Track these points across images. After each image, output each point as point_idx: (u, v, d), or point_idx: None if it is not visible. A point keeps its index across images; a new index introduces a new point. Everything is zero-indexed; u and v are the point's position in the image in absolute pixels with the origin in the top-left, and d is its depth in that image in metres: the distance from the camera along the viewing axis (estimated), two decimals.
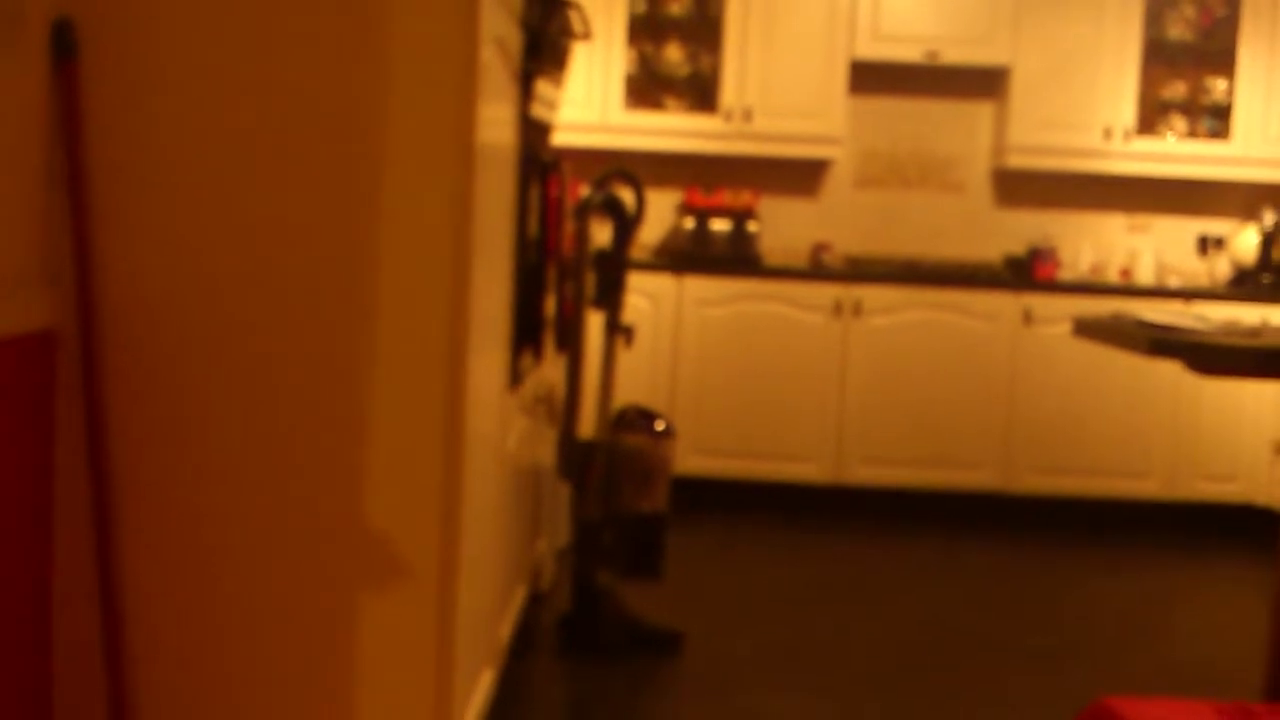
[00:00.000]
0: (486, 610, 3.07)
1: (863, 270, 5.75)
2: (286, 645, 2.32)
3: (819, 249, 6.00)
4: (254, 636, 2.31)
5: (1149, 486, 5.72)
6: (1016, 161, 5.95)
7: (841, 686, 3.61)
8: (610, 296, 3.93)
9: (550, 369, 4.05)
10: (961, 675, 3.79)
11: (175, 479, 2.28)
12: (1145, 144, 5.94)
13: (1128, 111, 5.90)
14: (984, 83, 6.11)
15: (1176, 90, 6.08)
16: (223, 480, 2.28)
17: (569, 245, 3.99)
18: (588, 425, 3.90)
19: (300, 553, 2.30)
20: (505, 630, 3.45)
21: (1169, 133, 6.04)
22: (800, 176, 6.19)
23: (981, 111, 6.18)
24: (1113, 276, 6.08)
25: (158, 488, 2.28)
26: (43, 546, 2.25)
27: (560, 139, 4.74)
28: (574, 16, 3.68)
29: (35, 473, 2.21)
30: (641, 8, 5.90)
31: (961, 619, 4.34)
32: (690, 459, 5.50)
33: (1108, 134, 5.89)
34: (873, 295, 5.63)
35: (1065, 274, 6.04)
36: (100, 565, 2.25)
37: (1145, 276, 6.04)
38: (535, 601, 4.10)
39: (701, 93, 5.96)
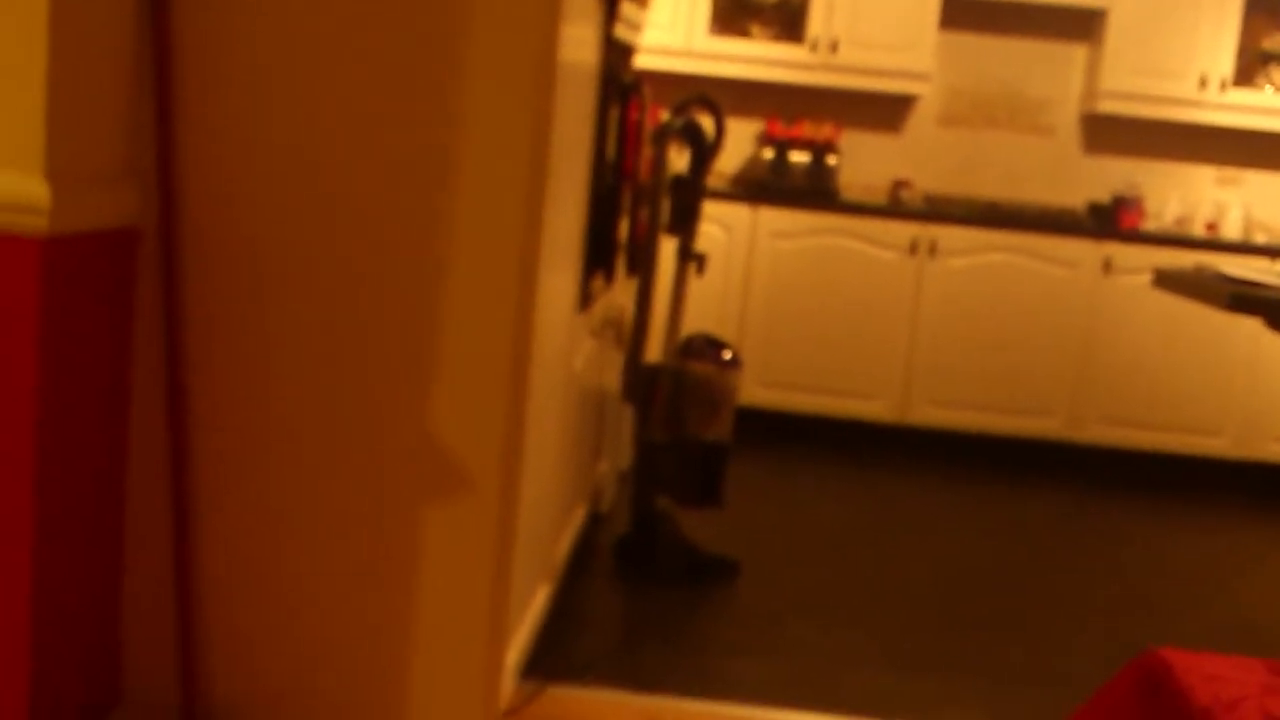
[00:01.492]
0: (545, 527, 3.10)
1: (942, 210, 5.68)
2: (348, 549, 2.36)
3: (898, 186, 5.93)
4: (317, 539, 2.36)
5: (1220, 444, 5.64)
6: (1107, 107, 5.82)
7: (890, 625, 3.62)
8: (684, 223, 3.92)
9: (620, 293, 4.06)
10: (1012, 623, 3.79)
11: (248, 380, 2.32)
12: (1241, 95, 5.78)
13: (1225, 61, 5.74)
14: (1079, 24, 5.97)
15: (1277, 42, 5.91)
16: (293, 384, 2.32)
17: (646, 170, 3.98)
18: (655, 351, 3.90)
19: (366, 461, 2.33)
20: (563, 548, 3.49)
21: (1267, 85, 5.88)
22: (884, 111, 6.10)
23: (1074, 54, 6.04)
24: (1198, 230, 5.96)
25: (231, 386, 2.32)
26: (119, 436, 2.31)
27: (643, 63, 4.71)
28: None
29: (114, 366, 2.26)
30: None
31: (1018, 567, 4.32)
32: (756, 391, 5.50)
33: (1203, 83, 5.74)
34: (950, 235, 5.56)
35: (1149, 224, 5.93)
36: (173, 458, 2.30)
37: (1232, 231, 5.91)
38: (594, 522, 4.14)
39: (788, 21, 5.87)
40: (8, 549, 2.06)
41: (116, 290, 2.24)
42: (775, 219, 5.57)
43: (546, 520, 3.11)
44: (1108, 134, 6.08)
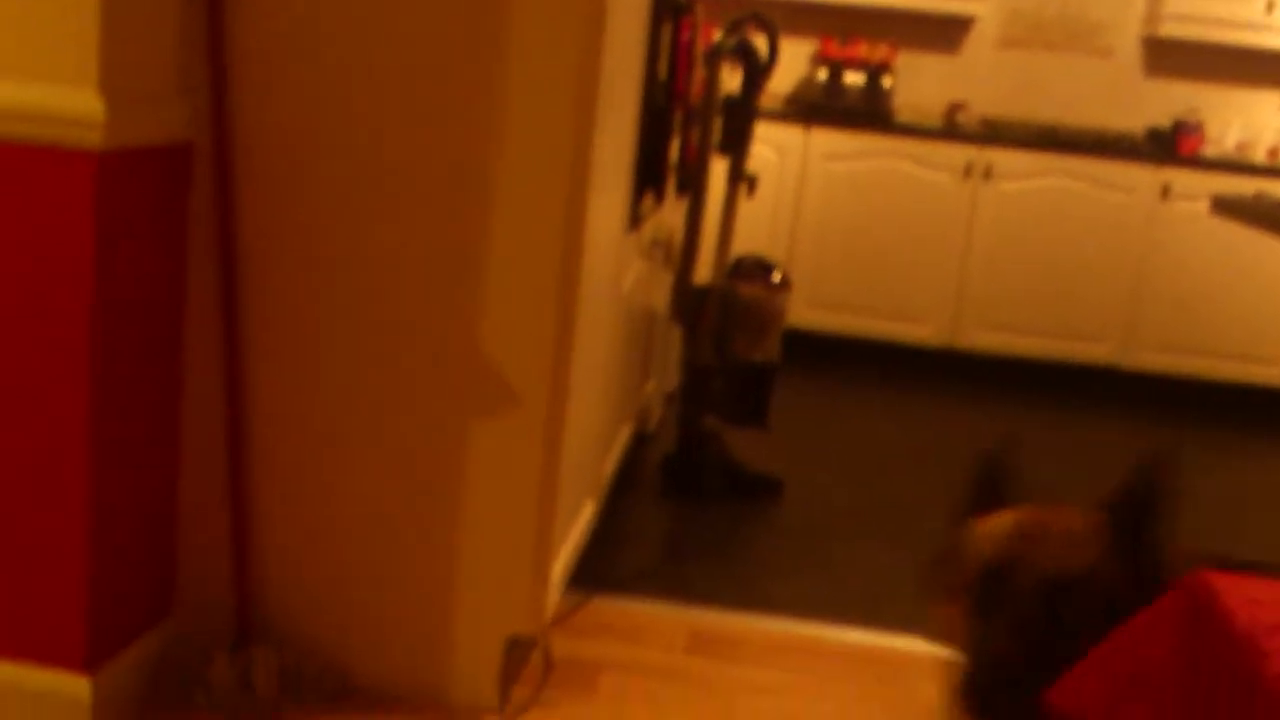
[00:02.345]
0: (592, 444, 3.14)
1: (998, 133, 5.61)
2: (399, 463, 2.40)
3: (954, 108, 5.86)
4: (368, 453, 2.40)
5: (1273, 373, 5.58)
6: (1170, 30, 5.71)
7: (932, 546, 3.64)
8: (736, 144, 3.90)
9: (670, 214, 4.05)
10: None
11: (299, 296, 2.35)
12: None
13: None
14: None
15: None
16: (344, 302, 2.35)
17: (697, 90, 3.95)
18: (704, 272, 3.91)
19: (416, 378, 2.36)
20: (609, 466, 3.53)
21: None
22: (941, 32, 6.01)
23: None
24: (1259, 156, 5.85)
25: (282, 302, 2.36)
26: (174, 350, 2.35)
27: None
28: None
29: (169, 280, 2.30)
30: None
31: (1063, 492, 4.32)
32: (804, 312, 5.49)
33: (1270, 6, 5.61)
34: (1005, 159, 5.50)
35: (1209, 150, 5.83)
36: (227, 372, 2.35)
37: None
38: (640, 441, 4.18)
39: None
40: (66, 460, 2.11)
41: (171, 206, 2.27)
42: (828, 140, 5.53)
43: (593, 438, 3.14)
44: (1169, 57, 5.97)
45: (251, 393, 2.39)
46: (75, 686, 2.19)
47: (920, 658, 2.90)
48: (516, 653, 2.46)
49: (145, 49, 2.13)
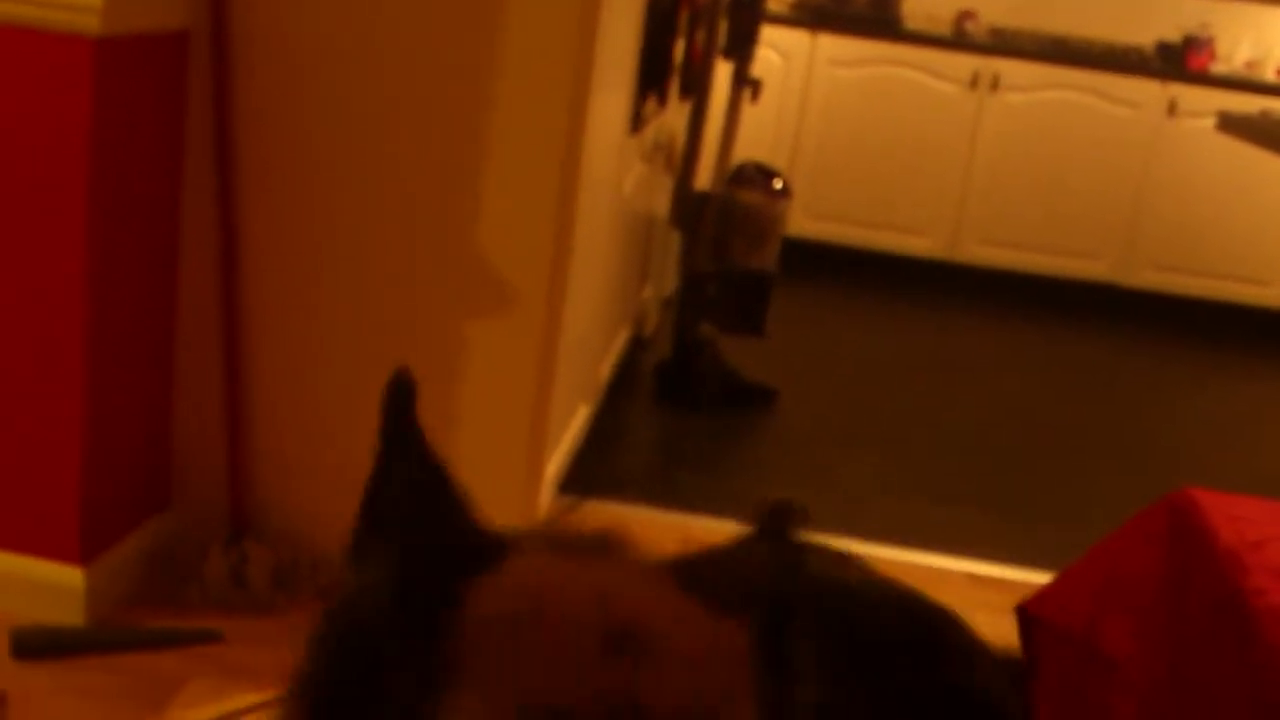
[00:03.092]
0: (588, 347, 3.14)
1: (1006, 43, 5.54)
2: (394, 361, 2.40)
3: (963, 17, 5.78)
4: (363, 352, 2.40)
5: (1270, 294, 5.58)
6: None
7: (924, 458, 3.67)
8: (741, 47, 3.85)
9: (673, 117, 4.02)
10: (1045, 462, 3.83)
11: (296, 191, 2.34)
12: None
13: None
14: None
15: None
16: (342, 198, 2.34)
17: None
18: (705, 177, 3.89)
19: (414, 277, 2.36)
20: (605, 370, 3.54)
21: None
22: None
23: None
24: (1269, 75, 5.79)
25: (279, 196, 2.34)
26: (169, 239, 2.34)
27: None
28: None
29: (165, 168, 2.28)
30: None
31: (1054, 406, 4.35)
32: (804, 222, 5.47)
33: None
34: (1013, 70, 5.44)
35: (1219, 67, 5.76)
36: (223, 264, 2.34)
37: None
38: (637, 346, 4.19)
39: None
40: (62, 352, 2.12)
41: (168, 94, 2.25)
42: (834, 46, 5.46)
43: (589, 341, 3.15)
44: None
45: (247, 287, 2.38)
46: (70, 577, 2.21)
47: (906, 567, 2.93)
48: None
49: None
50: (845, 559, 1.16)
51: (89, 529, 2.22)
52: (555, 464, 2.82)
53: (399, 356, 2.38)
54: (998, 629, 2.63)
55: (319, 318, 2.40)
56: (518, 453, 2.42)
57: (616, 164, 3.09)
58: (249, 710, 2.04)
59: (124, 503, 2.34)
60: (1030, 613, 1.65)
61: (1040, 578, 2.81)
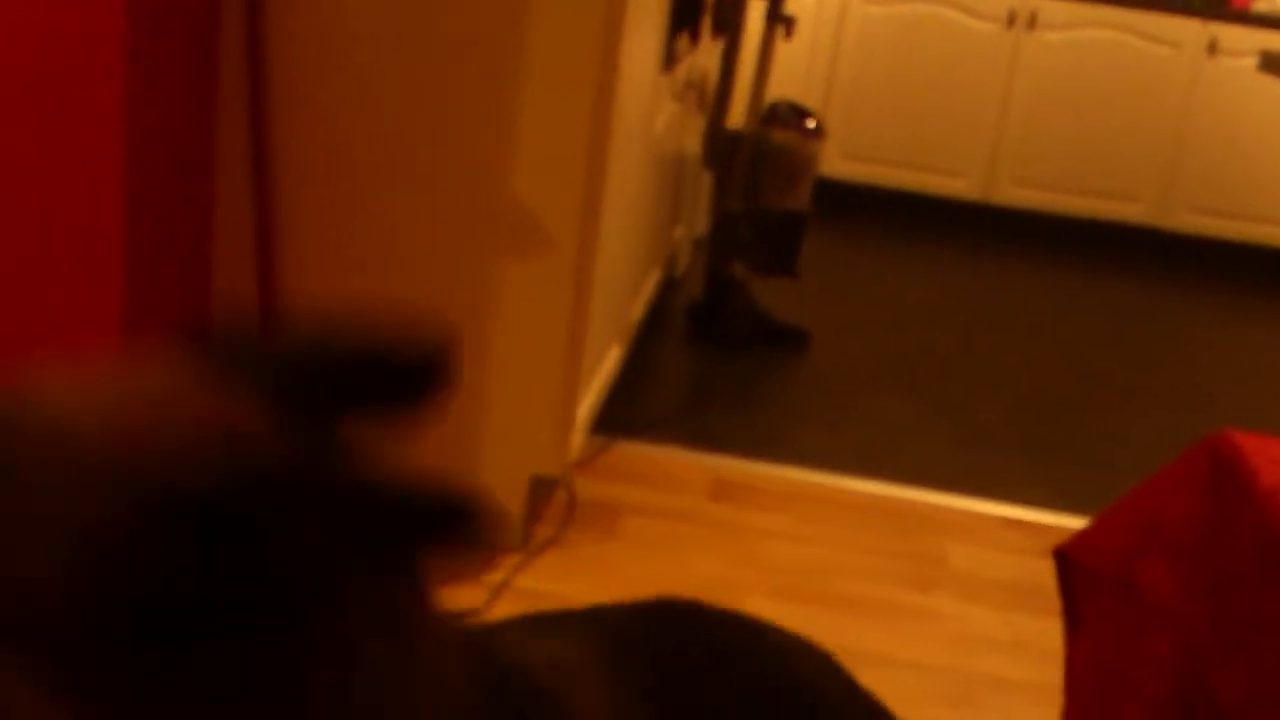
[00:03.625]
0: (620, 288, 3.13)
1: None
2: (427, 302, 2.40)
3: None
4: (395, 290, 2.40)
5: None
6: None
7: (959, 401, 3.65)
8: None
9: (705, 55, 3.97)
10: (1081, 407, 3.80)
11: (331, 126, 2.32)
12: None
13: None
14: None
15: None
16: (375, 138, 2.32)
17: None
18: (737, 116, 3.85)
19: (446, 217, 2.35)
20: (637, 311, 3.53)
21: None
22: None
23: None
24: None
25: (313, 131, 2.33)
26: (204, 174, 2.33)
27: None
28: None
29: (199, 92, 2.27)
30: None
31: (1091, 351, 4.31)
32: (837, 163, 5.42)
33: None
34: (1050, 7, 5.35)
35: (1260, 5, 5.65)
36: (258, 208, 2.33)
37: None
38: (668, 287, 4.17)
39: None
40: (100, 262, 2.11)
41: (202, 11, 2.23)
42: None
43: (621, 281, 3.13)
44: None
45: (279, 231, 2.38)
46: None
47: (940, 510, 2.93)
48: (540, 492, 2.49)
49: None
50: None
51: None
52: (587, 405, 2.82)
53: (430, 295, 2.38)
54: (1033, 572, 2.63)
55: (350, 257, 2.39)
56: (551, 393, 2.42)
57: (649, 102, 3.06)
58: None
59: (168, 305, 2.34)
60: (1068, 556, 1.64)
61: (1075, 522, 2.81)
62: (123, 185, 2.07)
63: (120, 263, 2.11)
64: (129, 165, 2.08)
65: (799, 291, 4.12)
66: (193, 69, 2.24)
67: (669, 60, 3.24)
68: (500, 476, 2.46)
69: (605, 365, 3.08)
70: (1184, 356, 4.38)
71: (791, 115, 3.84)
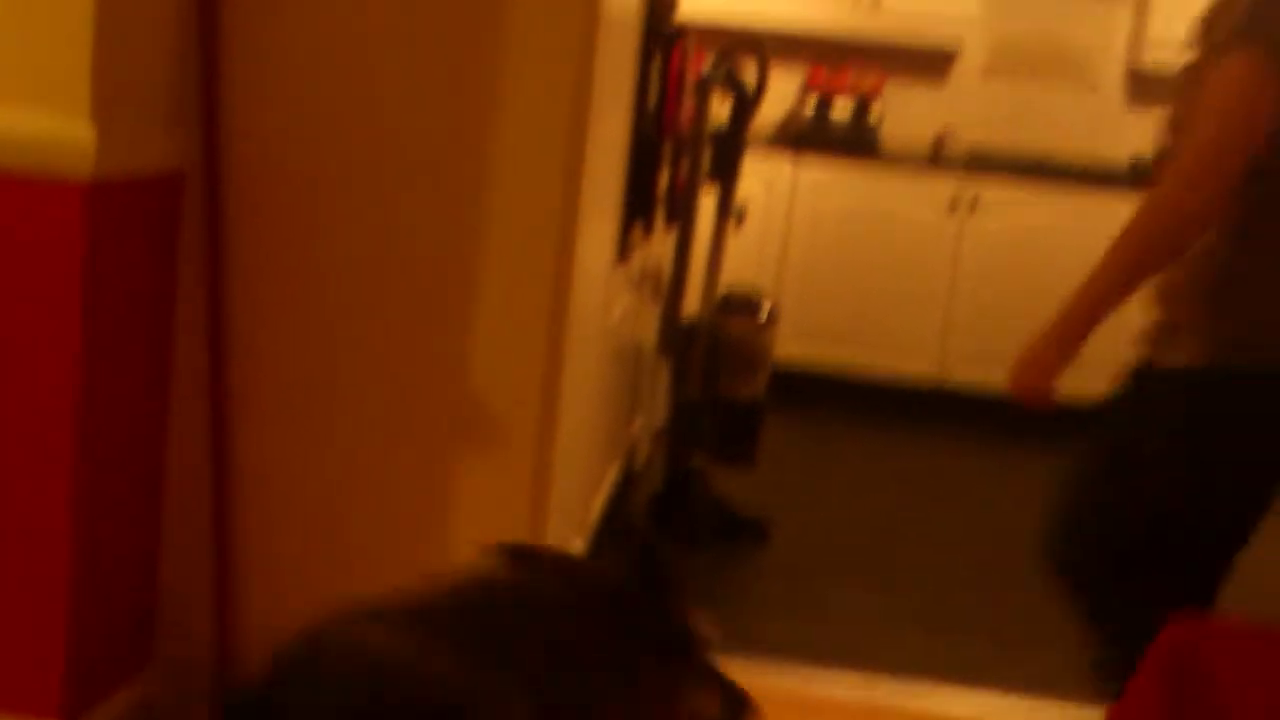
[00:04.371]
0: (580, 482, 3.09)
1: (985, 163, 5.59)
2: (384, 502, 2.35)
3: (941, 138, 5.85)
4: (354, 490, 2.35)
5: None
6: (1154, 58, 5.69)
7: (923, 587, 3.60)
8: (725, 176, 3.87)
9: (659, 245, 4.01)
10: (1047, 588, 3.75)
11: (289, 329, 2.30)
12: None
13: None
14: None
15: None
16: (333, 333, 2.30)
17: (687, 120, 3.92)
18: (692, 305, 3.87)
19: (403, 412, 2.31)
20: (597, 505, 3.48)
21: None
22: (928, 62, 6.00)
23: (1120, 3, 5.91)
24: None
25: (272, 335, 2.30)
26: (161, 385, 2.29)
27: (686, 12, 4.64)
28: None
29: (157, 311, 2.25)
30: None
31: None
32: (791, 346, 5.44)
33: None
34: (992, 190, 5.48)
35: None
36: (213, 412, 2.29)
37: None
38: (629, 480, 4.13)
39: None
40: (48, 506, 2.05)
41: (161, 236, 2.22)
42: (815, 171, 5.50)
43: (581, 476, 3.09)
44: (1155, 87, 5.96)
45: (237, 435, 2.33)
46: None
47: (911, 712, 2.85)
48: None
49: (137, 73, 2.08)
50: None
51: (72, 687, 2.13)
52: None
53: (389, 497, 2.33)
54: None
55: (308, 456, 2.34)
56: None
57: (605, 293, 3.07)
58: None
59: (108, 660, 2.25)
60: None
61: (1049, 708, 2.75)
62: (74, 414, 2.03)
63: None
64: (81, 394, 2.03)
65: (758, 480, 4.09)
66: (150, 292, 2.22)
67: (624, 250, 3.27)
68: None
69: None
70: None
71: (745, 305, 3.87)
